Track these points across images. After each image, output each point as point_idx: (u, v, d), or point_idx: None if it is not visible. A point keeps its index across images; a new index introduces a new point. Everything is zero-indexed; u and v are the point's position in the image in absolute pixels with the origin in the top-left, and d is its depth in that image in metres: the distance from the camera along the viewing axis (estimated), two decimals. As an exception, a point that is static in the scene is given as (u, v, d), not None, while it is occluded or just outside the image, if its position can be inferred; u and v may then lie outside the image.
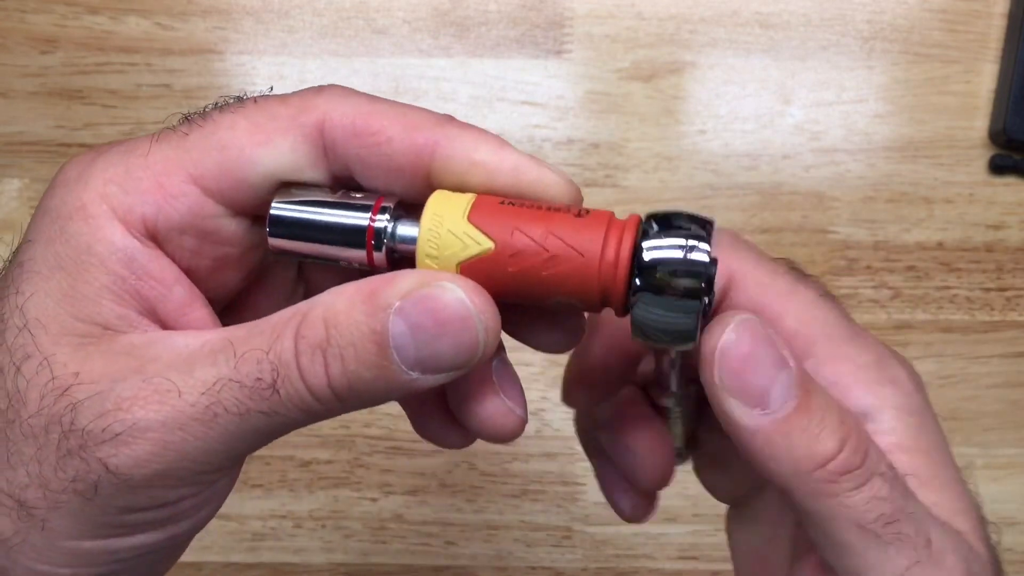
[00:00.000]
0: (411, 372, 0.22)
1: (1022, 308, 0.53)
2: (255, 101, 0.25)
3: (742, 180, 0.53)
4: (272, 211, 0.24)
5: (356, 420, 0.53)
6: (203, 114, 0.26)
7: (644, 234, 0.22)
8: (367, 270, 0.23)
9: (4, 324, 0.22)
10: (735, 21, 0.53)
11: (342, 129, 0.24)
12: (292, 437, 0.55)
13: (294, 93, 0.25)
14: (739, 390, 0.23)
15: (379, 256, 0.23)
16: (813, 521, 0.23)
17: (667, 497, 0.32)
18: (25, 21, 0.54)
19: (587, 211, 0.23)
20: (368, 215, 0.23)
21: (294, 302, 0.23)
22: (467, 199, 0.23)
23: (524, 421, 0.25)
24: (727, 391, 0.23)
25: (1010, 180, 0.53)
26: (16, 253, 0.24)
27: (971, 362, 0.53)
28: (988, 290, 0.53)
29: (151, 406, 0.21)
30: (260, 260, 0.26)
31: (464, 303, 0.21)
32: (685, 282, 0.22)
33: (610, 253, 0.22)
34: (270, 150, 0.24)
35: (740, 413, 0.23)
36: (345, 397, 0.22)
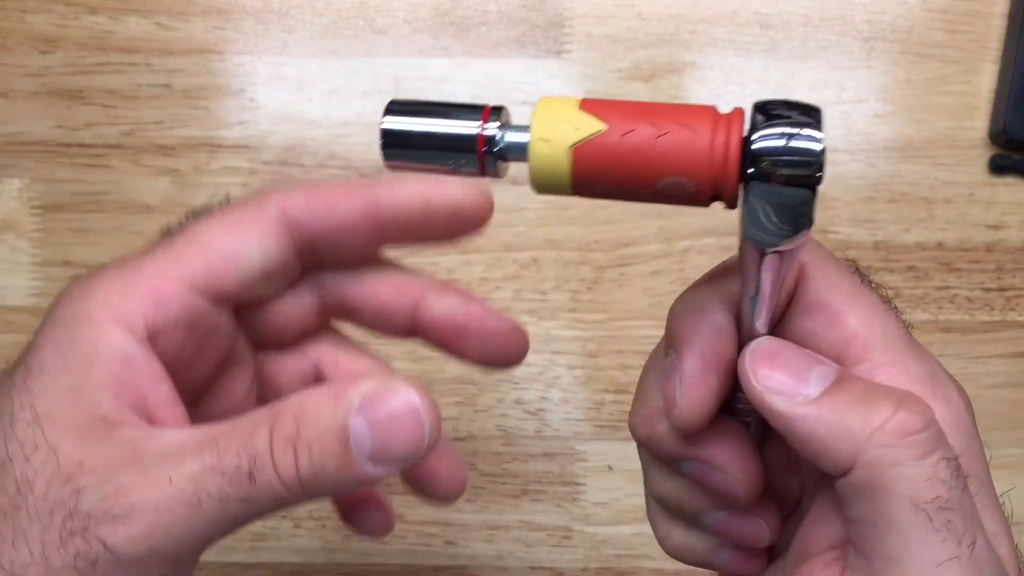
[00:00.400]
0: (368, 464, 0.24)
1: (1022, 308, 0.53)
2: (222, 207, 0.30)
3: (742, 180, 0.53)
4: (383, 126, 0.25)
5: (356, 420, 0.53)
6: (182, 224, 0.30)
7: (753, 122, 0.22)
8: (477, 174, 0.26)
9: (14, 418, 0.25)
10: (735, 21, 0.54)
11: (298, 208, 0.28)
12: (292, 437, 0.55)
13: (252, 195, 0.29)
14: (777, 387, 0.23)
15: (490, 162, 0.25)
16: (867, 501, 0.23)
17: (667, 497, 0.32)
18: (25, 21, 0.54)
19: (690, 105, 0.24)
20: (478, 123, 0.25)
21: (252, 396, 0.27)
22: (574, 100, 0.24)
23: (466, 480, 0.31)
24: (765, 389, 0.23)
25: (1010, 180, 0.53)
26: (23, 357, 0.27)
27: (971, 362, 0.53)
28: (988, 290, 0.53)
29: (146, 492, 0.24)
30: (233, 347, 0.30)
31: (414, 403, 0.24)
32: (798, 168, 0.22)
33: (720, 136, 0.22)
34: (245, 242, 0.28)
35: (784, 405, 0.23)
36: (310, 486, 0.24)
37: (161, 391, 0.27)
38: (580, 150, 0.23)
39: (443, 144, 0.25)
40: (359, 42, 0.54)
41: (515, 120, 0.26)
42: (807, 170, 0.22)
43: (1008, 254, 0.53)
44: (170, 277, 0.28)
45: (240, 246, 0.28)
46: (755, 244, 0.23)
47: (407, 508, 0.53)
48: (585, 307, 0.53)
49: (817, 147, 0.22)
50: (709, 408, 0.26)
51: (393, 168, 0.26)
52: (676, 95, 0.53)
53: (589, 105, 0.23)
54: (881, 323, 0.26)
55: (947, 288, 0.53)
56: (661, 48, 0.53)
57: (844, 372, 0.24)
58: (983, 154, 0.53)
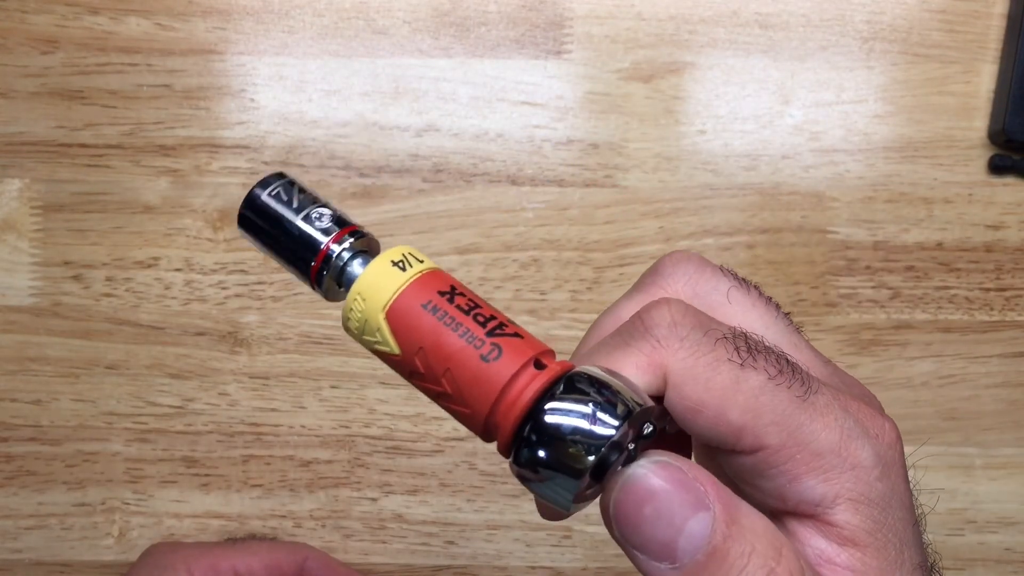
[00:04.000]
0: None
1: (1021, 308, 0.53)
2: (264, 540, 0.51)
3: (742, 180, 0.53)
4: (251, 193, 0.25)
5: (356, 420, 0.53)
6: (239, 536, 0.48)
7: (549, 394, 0.22)
8: (307, 283, 0.25)
9: None
10: (735, 21, 0.54)
11: (314, 566, 0.50)
12: (292, 437, 0.55)
13: (290, 541, 0.46)
14: (642, 546, 0.21)
15: (320, 280, 0.24)
16: None
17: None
18: (26, 21, 0.54)
19: (514, 339, 0.23)
20: (328, 238, 0.24)
21: None
22: (403, 279, 0.23)
23: None
24: (631, 546, 0.21)
25: (1009, 180, 0.53)
26: None
27: (971, 362, 0.53)
28: (987, 290, 0.53)
29: None
30: None
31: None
32: (572, 458, 0.21)
33: (499, 412, 0.22)
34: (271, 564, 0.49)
35: (648, 567, 0.21)
36: None
37: None
38: (377, 353, 0.24)
39: (289, 239, 0.24)
40: (359, 42, 0.54)
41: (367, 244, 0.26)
42: (580, 462, 0.21)
43: (1007, 254, 0.53)
44: (225, 560, 0.47)
45: (267, 564, 0.48)
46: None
47: (407, 508, 0.53)
48: (585, 307, 0.53)
49: (598, 442, 0.21)
50: None
51: (242, 235, 0.26)
52: (676, 95, 0.53)
53: (396, 316, 0.23)
54: (769, 406, 0.23)
55: (946, 288, 0.53)
56: (661, 48, 0.54)
57: (724, 536, 0.21)
58: (982, 154, 0.53)
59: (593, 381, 0.22)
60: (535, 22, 0.54)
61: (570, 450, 0.21)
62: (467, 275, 0.53)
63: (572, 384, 0.22)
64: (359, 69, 0.54)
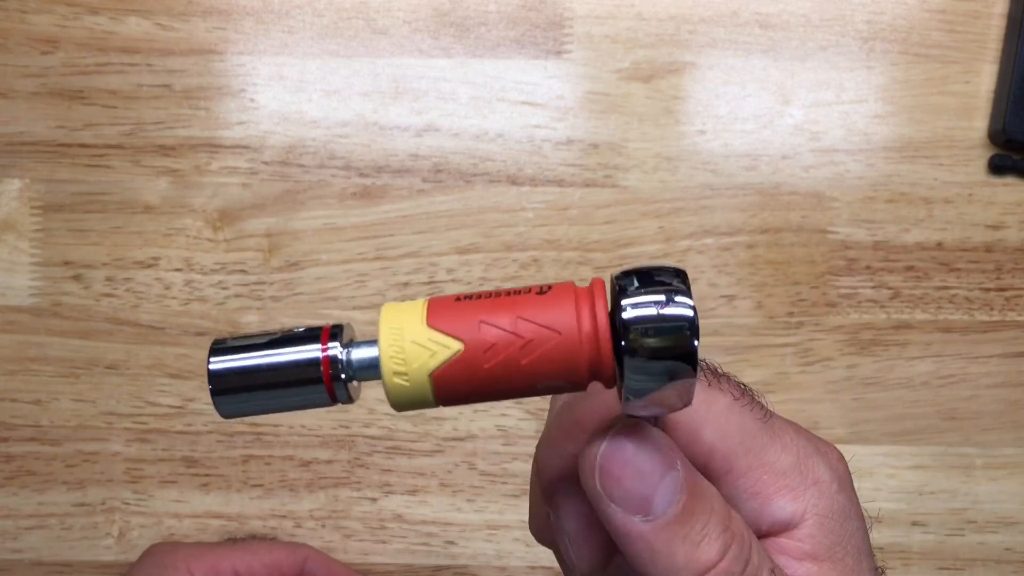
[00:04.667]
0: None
1: (1021, 308, 0.53)
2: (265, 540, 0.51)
3: (742, 180, 0.53)
4: (211, 367, 0.22)
5: (356, 420, 0.53)
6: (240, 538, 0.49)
7: (619, 294, 0.21)
8: (328, 404, 0.22)
9: None
10: (735, 21, 0.54)
11: (315, 566, 0.51)
12: (292, 437, 0.55)
13: (289, 542, 0.47)
14: (620, 497, 0.22)
15: (340, 389, 0.22)
16: None
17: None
18: (26, 21, 0.54)
19: (548, 287, 0.22)
20: (318, 345, 0.21)
21: None
22: (420, 305, 0.22)
23: None
24: (609, 498, 0.22)
25: (1009, 180, 0.53)
26: None
27: (971, 362, 0.53)
28: (987, 290, 0.53)
29: None
30: None
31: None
32: (673, 338, 0.20)
33: (587, 323, 0.21)
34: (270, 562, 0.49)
35: (622, 519, 0.22)
36: None
37: None
38: (440, 376, 0.21)
39: (283, 378, 0.22)
40: (359, 42, 0.54)
41: (360, 331, 0.23)
42: (680, 339, 0.20)
43: (1007, 254, 0.53)
44: (226, 560, 0.47)
45: (267, 564, 0.49)
46: (630, 412, 0.22)
47: (407, 508, 0.53)
48: (585, 307, 0.53)
49: (689, 313, 0.20)
50: (603, 554, 0.26)
51: (230, 416, 0.22)
52: (676, 95, 0.53)
53: (438, 319, 0.21)
54: (737, 427, 0.25)
55: (946, 288, 0.53)
56: (661, 48, 0.54)
57: (691, 495, 0.23)
58: (982, 154, 0.53)
59: (641, 273, 0.21)
60: (535, 22, 0.54)
61: (672, 334, 0.20)
62: (467, 275, 0.53)
63: (636, 278, 0.21)
64: (359, 69, 0.54)
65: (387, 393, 0.21)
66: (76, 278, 0.53)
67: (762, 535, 0.25)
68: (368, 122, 0.53)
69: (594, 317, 0.21)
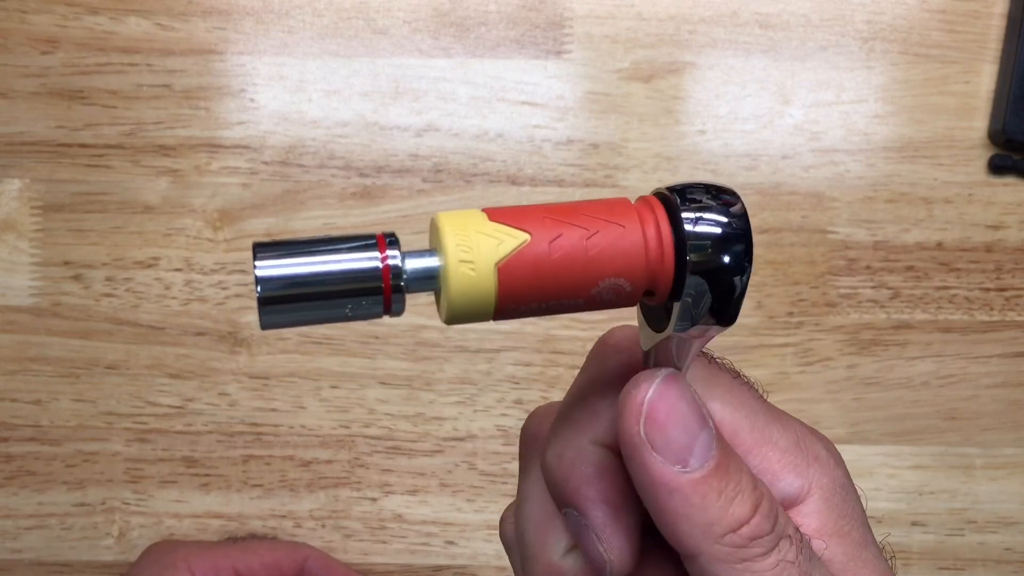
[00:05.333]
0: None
1: (1021, 308, 0.53)
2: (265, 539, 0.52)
3: (742, 180, 0.53)
4: (258, 271, 0.20)
5: (356, 420, 0.53)
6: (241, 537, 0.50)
7: (678, 207, 0.21)
8: (378, 316, 0.21)
9: None
10: (735, 21, 0.54)
11: (315, 567, 0.51)
12: (292, 437, 0.55)
13: (289, 541, 0.48)
14: (663, 445, 0.22)
15: (398, 301, 0.20)
16: None
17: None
18: (26, 21, 0.54)
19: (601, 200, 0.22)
20: (376, 253, 0.20)
21: None
22: (476, 211, 0.21)
23: None
24: (651, 444, 0.22)
25: (1009, 180, 0.53)
26: None
27: (970, 362, 0.53)
28: (987, 290, 0.53)
29: None
30: None
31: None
32: (735, 251, 0.21)
33: (650, 228, 0.21)
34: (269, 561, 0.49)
35: (662, 469, 0.22)
36: None
37: None
38: (506, 267, 0.20)
39: (339, 286, 0.20)
40: (359, 42, 0.54)
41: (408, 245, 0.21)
42: (741, 253, 0.21)
43: (1007, 254, 0.53)
44: (226, 559, 0.47)
45: (267, 564, 0.49)
46: (680, 331, 0.22)
47: (407, 508, 0.53)
48: (585, 307, 0.53)
49: (747, 228, 0.21)
50: (636, 546, 0.25)
51: (271, 327, 0.20)
52: (676, 95, 0.53)
53: (501, 216, 0.21)
54: (741, 404, 0.25)
55: (946, 288, 0.53)
56: (661, 48, 0.54)
57: (723, 452, 0.23)
58: (982, 154, 0.53)
59: (689, 187, 0.22)
60: (535, 22, 0.54)
61: (732, 241, 0.21)
62: (467, 275, 0.53)
63: (684, 194, 0.21)
64: (359, 69, 0.54)
65: (447, 292, 0.20)
66: (76, 278, 0.53)
67: None
68: (368, 122, 0.53)
69: (655, 218, 0.21)
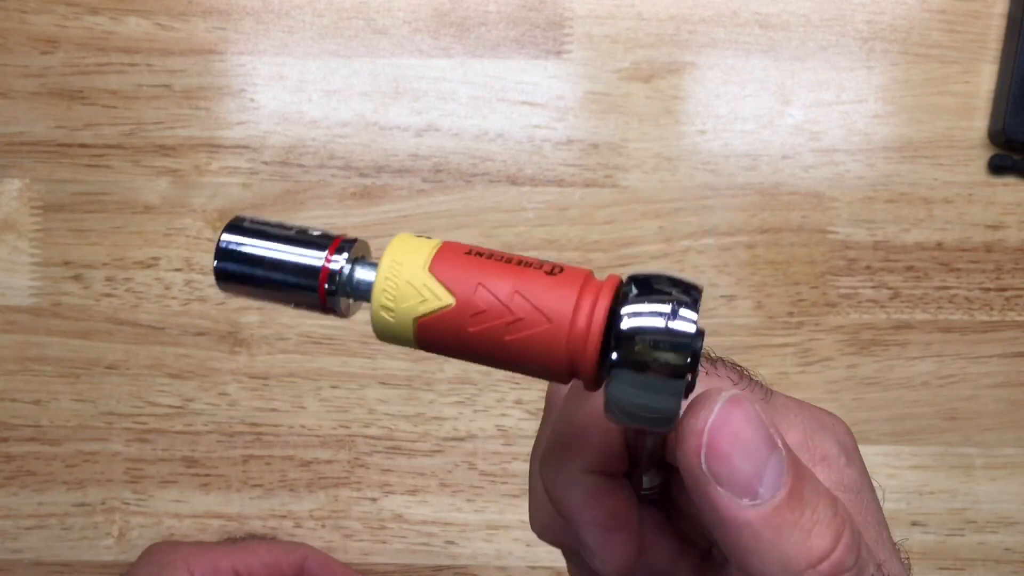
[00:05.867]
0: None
1: (1021, 308, 0.53)
2: (265, 539, 0.52)
3: (742, 180, 0.53)
4: (220, 242, 0.22)
5: (356, 420, 0.53)
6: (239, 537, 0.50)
7: (623, 298, 0.20)
8: (318, 311, 0.23)
9: None
10: (735, 21, 0.54)
11: (314, 567, 0.49)
12: (292, 437, 0.55)
13: (287, 541, 0.50)
14: (728, 477, 0.20)
15: (334, 302, 0.22)
16: None
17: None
18: (26, 21, 0.54)
19: (561, 268, 0.21)
20: (324, 254, 0.22)
21: None
22: (431, 245, 0.21)
23: None
24: (714, 478, 0.21)
25: (1009, 180, 0.53)
26: None
27: (970, 362, 0.53)
28: (987, 290, 0.53)
29: None
30: None
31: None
32: (667, 356, 0.19)
33: (582, 320, 0.20)
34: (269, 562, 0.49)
35: (728, 503, 0.20)
36: None
37: None
38: (425, 324, 0.21)
39: (283, 273, 0.22)
40: (359, 42, 0.54)
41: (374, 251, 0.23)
42: (679, 358, 0.19)
43: (1007, 254, 0.53)
44: (226, 559, 0.47)
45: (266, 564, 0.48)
46: (618, 422, 0.21)
47: (407, 508, 0.53)
48: (585, 307, 0.53)
49: (691, 329, 0.19)
50: (633, 556, 0.25)
51: (226, 291, 0.23)
52: (676, 95, 0.53)
53: (441, 267, 0.21)
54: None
55: (946, 288, 0.53)
56: (661, 48, 0.54)
57: (796, 476, 0.21)
58: (982, 154, 0.53)
59: (652, 280, 0.20)
60: (535, 22, 0.54)
61: (666, 350, 0.20)
62: (467, 275, 0.53)
63: (643, 285, 0.20)
64: (359, 69, 0.54)
65: (372, 321, 0.22)
66: (76, 278, 0.53)
67: None
68: (368, 122, 0.53)
69: (591, 316, 0.20)
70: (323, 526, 0.53)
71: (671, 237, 0.53)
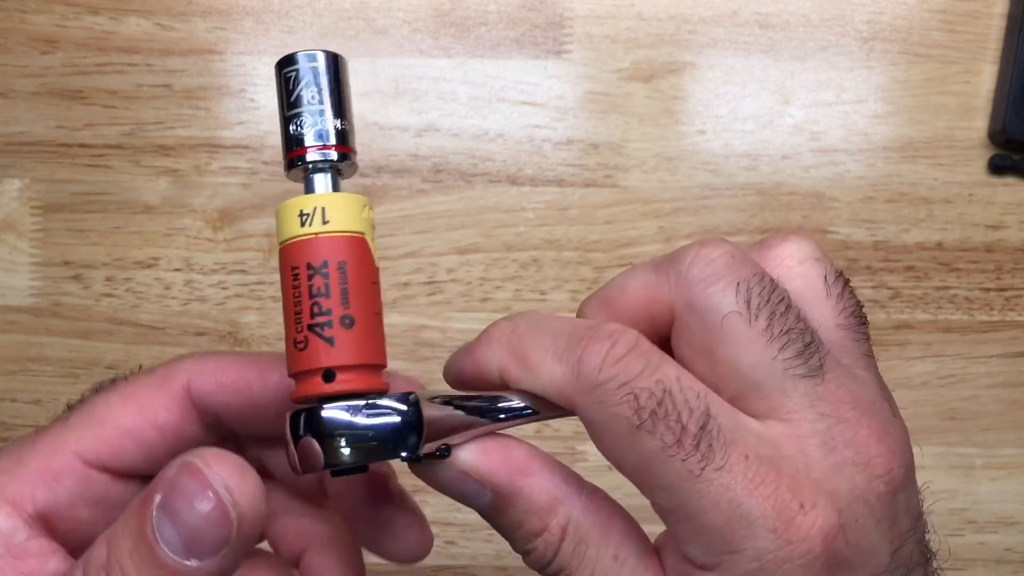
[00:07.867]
0: (187, 561, 0.22)
1: (1021, 308, 0.53)
2: (126, 379, 0.29)
3: (742, 180, 0.53)
4: (289, 55, 0.25)
5: (356, 420, 0.53)
6: (82, 399, 0.29)
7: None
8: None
9: None
10: (735, 21, 0.54)
11: (206, 385, 0.28)
12: (292, 437, 0.55)
13: (160, 365, 0.29)
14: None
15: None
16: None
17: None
18: (25, 21, 0.54)
19: (306, 345, 0.25)
20: (316, 143, 0.26)
21: None
22: (286, 235, 0.26)
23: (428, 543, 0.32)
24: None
25: (1009, 180, 0.53)
26: None
27: (970, 362, 0.53)
28: (987, 290, 0.53)
29: None
30: None
31: (205, 477, 0.22)
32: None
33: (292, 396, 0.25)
34: (143, 416, 0.28)
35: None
36: None
37: (48, 567, 0.26)
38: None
39: (287, 120, 0.27)
40: (359, 42, 0.54)
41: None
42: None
43: (1007, 254, 0.53)
44: (63, 453, 0.27)
45: (138, 421, 0.28)
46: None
47: (407, 508, 0.53)
48: (585, 307, 0.53)
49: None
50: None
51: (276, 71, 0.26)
52: (676, 95, 0.53)
53: (282, 256, 0.25)
54: (658, 471, 0.24)
55: (946, 288, 0.53)
56: (661, 48, 0.54)
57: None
58: (982, 154, 0.53)
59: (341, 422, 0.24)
60: (535, 22, 0.54)
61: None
62: (467, 275, 0.53)
63: (310, 419, 0.24)
64: (359, 69, 0.54)
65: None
66: (76, 278, 0.53)
67: None
68: (368, 122, 0.53)
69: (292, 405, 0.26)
70: (323, 526, 0.53)
71: (671, 237, 0.53)
